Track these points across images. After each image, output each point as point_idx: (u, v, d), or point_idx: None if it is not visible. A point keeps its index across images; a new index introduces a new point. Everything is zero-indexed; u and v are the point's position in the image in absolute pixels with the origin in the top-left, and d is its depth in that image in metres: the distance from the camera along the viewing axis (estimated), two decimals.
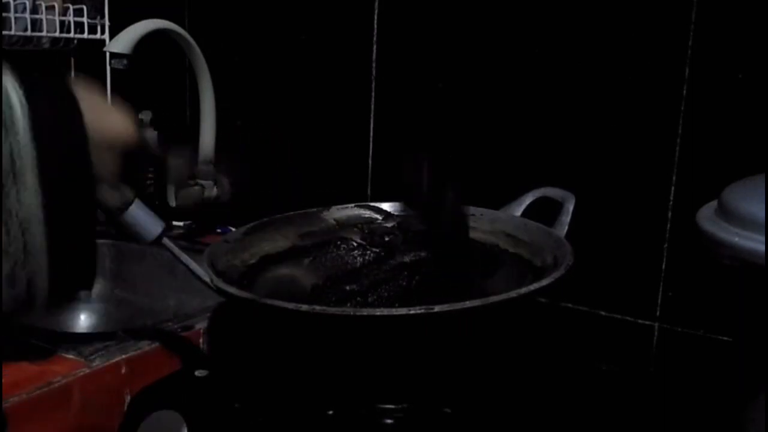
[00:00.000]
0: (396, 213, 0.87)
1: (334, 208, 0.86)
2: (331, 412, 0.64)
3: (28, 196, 0.34)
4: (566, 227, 0.76)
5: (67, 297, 0.41)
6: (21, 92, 0.34)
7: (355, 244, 0.82)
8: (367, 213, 0.87)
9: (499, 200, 0.85)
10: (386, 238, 0.83)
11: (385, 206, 0.87)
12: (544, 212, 0.81)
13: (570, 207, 0.78)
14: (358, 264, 0.80)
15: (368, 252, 0.81)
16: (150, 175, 1.15)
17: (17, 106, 0.33)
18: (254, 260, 0.78)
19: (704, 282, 0.83)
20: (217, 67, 1.11)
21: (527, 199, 0.83)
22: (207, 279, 0.68)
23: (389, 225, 0.85)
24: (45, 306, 0.39)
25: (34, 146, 0.33)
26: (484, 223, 0.82)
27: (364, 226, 0.85)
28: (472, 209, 0.84)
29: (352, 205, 0.87)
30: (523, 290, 0.61)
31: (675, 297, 0.86)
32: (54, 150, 0.35)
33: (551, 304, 0.90)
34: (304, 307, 0.58)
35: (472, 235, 0.83)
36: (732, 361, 0.78)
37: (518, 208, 0.83)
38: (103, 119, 0.39)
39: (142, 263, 1.09)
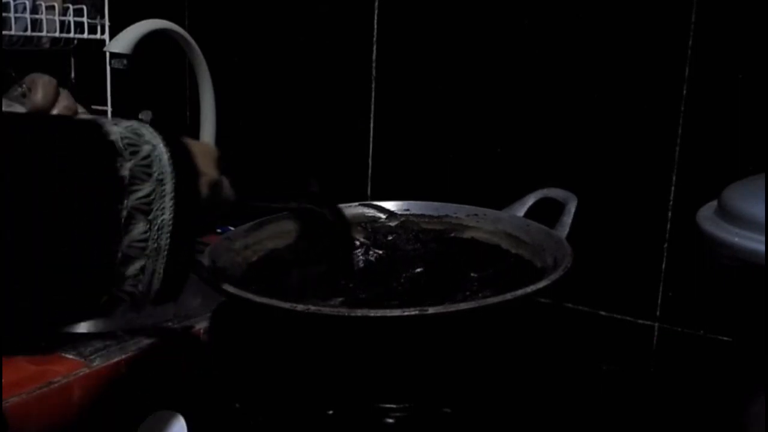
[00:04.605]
0: (400, 212, 0.87)
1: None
2: (331, 412, 0.64)
3: (167, 212, 0.49)
4: (568, 228, 0.76)
5: (164, 299, 0.51)
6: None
7: (358, 243, 0.82)
8: (371, 212, 0.87)
9: (502, 200, 0.85)
10: (389, 237, 0.83)
11: (389, 205, 0.87)
12: (547, 213, 0.81)
13: (572, 208, 0.78)
14: (361, 262, 0.80)
15: (371, 251, 0.81)
16: None
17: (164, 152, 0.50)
18: (256, 257, 0.78)
19: (704, 282, 0.83)
20: (217, 67, 1.11)
21: (530, 200, 0.84)
22: (205, 277, 0.68)
23: (393, 224, 0.85)
24: (151, 302, 0.50)
25: (173, 178, 0.49)
26: (486, 223, 0.82)
27: (368, 224, 0.85)
28: (475, 209, 0.84)
29: (356, 203, 0.87)
30: (519, 292, 0.60)
31: (675, 297, 0.86)
32: (182, 185, 0.50)
33: (552, 305, 0.90)
34: (300, 307, 0.58)
35: (475, 235, 0.83)
36: (732, 361, 0.78)
37: (521, 209, 0.83)
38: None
39: None
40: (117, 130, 0.48)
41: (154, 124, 1.16)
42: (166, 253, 0.49)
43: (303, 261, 0.77)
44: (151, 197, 0.48)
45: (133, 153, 0.48)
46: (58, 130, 0.47)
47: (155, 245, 0.48)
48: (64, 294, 0.46)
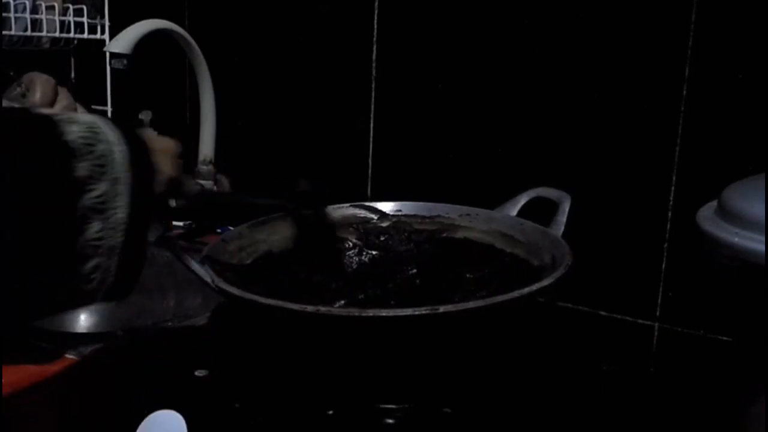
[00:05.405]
0: (391, 213, 0.86)
1: (330, 208, 0.86)
2: (331, 412, 0.64)
3: (121, 211, 0.49)
4: (562, 227, 0.76)
5: (114, 296, 0.53)
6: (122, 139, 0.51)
7: (351, 244, 0.82)
8: (363, 213, 0.86)
9: (495, 200, 0.85)
10: (382, 238, 0.83)
11: (381, 206, 0.87)
12: (539, 213, 0.81)
13: (566, 207, 0.78)
14: (355, 263, 0.80)
15: (364, 253, 0.81)
16: None
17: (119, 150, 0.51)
18: (251, 260, 0.78)
19: (704, 282, 0.83)
20: (217, 67, 1.11)
21: (522, 200, 0.83)
22: (208, 279, 0.68)
23: (384, 225, 0.85)
24: (101, 299, 0.52)
25: (129, 178, 0.50)
26: (479, 223, 0.82)
27: (360, 225, 0.85)
28: (467, 209, 0.84)
29: (348, 204, 0.87)
30: (526, 290, 0.60)
31: (675, 297, 0.86)
32: (138, 184, 0.51)
33: (551, 304, 0.90)
34: (309, 308, 0.58)
35: (468, 235, 0.83)
36: (732, 361, 0.78)
37: (513, 209, 0.83)
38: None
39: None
40: (75, 129, 0.49)
41: (152, 123, 1.16)
42: (119, 251, 0.50)
43: (297, 263, 0.77)
44: (105, 197, 0.49)
45: (90, 152, 0.49)
46: (13, 131, 0.47)
47: (109, 244, 0.49)
48: (27, 292, 0.47)
